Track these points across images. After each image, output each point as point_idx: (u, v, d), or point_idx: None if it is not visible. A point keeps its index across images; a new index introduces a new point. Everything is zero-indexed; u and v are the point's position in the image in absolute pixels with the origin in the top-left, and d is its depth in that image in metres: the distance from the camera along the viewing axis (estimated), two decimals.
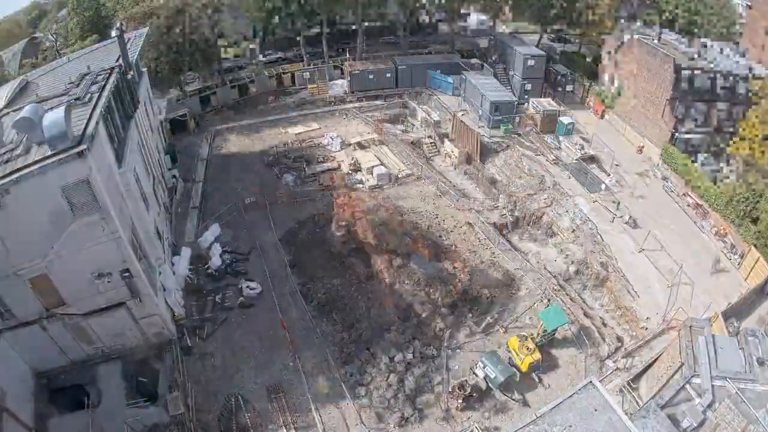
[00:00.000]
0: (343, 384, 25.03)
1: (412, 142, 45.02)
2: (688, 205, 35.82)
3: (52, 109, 20.42)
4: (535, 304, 29.15)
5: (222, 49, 49.68)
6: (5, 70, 52.10)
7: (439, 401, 24.63)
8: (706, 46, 41.24)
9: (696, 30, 48.36)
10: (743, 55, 41.48)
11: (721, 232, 33.14)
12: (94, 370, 23.91)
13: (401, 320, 28.04)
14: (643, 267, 31.19)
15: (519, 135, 43.26)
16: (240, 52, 57.55)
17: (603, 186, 37.36)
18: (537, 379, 25.64)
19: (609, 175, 38.89)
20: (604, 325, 28.74)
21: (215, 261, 31.28)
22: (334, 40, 56.16)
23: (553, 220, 35.46)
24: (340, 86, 51.86)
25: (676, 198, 36.89)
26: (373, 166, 40.36)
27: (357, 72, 50.37)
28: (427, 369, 25.73)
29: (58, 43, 57.95)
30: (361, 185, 39.36)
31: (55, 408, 22.55)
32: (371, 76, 50.77)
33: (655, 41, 41.65)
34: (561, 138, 42.55)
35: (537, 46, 53.25)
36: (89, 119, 20.52)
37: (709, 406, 17.65)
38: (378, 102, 50.63)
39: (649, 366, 24.27)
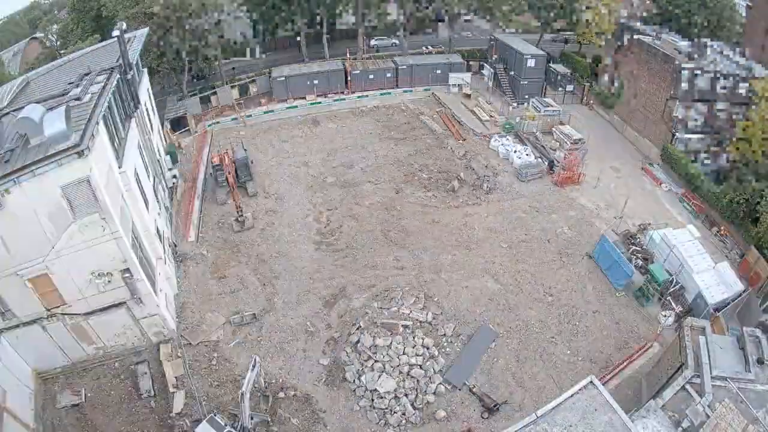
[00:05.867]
0: (345, 384, 25.06)
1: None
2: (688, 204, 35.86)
3: (52, 109, 20.44)
4: None
5: (222, 49, 49.54)
6: (6, 70, 52.06)
7: (440, 401, 24.59)
8: (706, 46, 41.17)
9: (696, 30, 48.33)
10: (743, 55, 41.42)
11: (722, 232, 33.14)
12: None
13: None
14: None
15: (518, 135, 43.23)
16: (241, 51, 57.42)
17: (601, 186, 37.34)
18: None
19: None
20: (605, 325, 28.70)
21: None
22: (334, 40, 56.10)
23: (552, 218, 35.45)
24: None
25: (675, 197, 36.94)
26: None
27: (357, 72, 50.33)
28: (429, 369, 25.66)
29: (58, 43, 57.92)
30: None
31: None
32: (371, 76, 50.77)
33: (655, 41, 41.64)
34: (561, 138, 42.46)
35: (537, 46, 53.22)
36: (89, 119, 20.51)
37: (709, 406, 17.62)
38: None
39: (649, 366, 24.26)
